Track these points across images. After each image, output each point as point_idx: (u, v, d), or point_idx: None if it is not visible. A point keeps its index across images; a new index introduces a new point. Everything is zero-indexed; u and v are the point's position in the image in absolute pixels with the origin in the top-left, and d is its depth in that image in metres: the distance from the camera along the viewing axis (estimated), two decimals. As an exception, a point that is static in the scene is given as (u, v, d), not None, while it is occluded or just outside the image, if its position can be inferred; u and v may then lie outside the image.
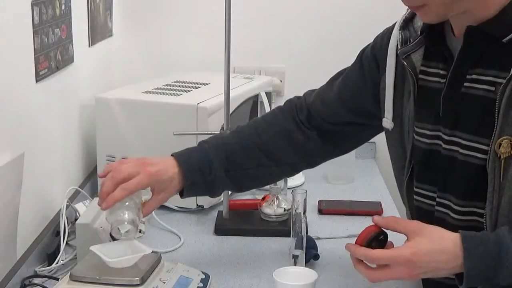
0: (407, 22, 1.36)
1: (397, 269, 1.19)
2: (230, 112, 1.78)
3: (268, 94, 2.20)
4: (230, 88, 1.77)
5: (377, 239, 1.26)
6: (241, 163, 1.51)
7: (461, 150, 1.25)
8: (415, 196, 1.36)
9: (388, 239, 1.28)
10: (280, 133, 1.54)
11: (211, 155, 1.48)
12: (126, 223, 1.36)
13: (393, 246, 1.26)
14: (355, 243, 1.26)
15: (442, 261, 1.17)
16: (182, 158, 1.46)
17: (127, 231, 1.36)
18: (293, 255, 1.53)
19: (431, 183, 1.33)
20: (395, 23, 1.39)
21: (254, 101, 2.15)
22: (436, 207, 1.31)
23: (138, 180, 1.37)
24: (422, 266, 1.18)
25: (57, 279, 1.45)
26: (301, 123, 1.55)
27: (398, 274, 1.20)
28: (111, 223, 1.37)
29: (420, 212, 1.36)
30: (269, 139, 1.53)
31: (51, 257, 1.58)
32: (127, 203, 1.37)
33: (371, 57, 1.46)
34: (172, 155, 1.47)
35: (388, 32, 1.42)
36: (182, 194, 1.48)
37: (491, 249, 1.14)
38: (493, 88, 1.20)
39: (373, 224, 1.27)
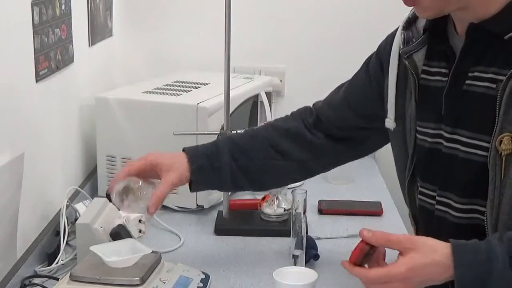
0: (410, 23, 1.36)
1: (394, 285, 1.19)
2: (230, 112, 1.78)
3: (268, 94, 2.20)
4: (230, 88, 1.77)
5: (369, 253, 1.24)
6: (249, 152, 1.54)
7: (462, 148, 1.25)
8: (418, 196, 1.36)
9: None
10: (289, 130, 1.57)
11: (219, 143, 1.55)
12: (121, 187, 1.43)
13: (385, 253, 1.25)
14: (349, 260, 1.24)
15: (436, 273, 1.17)
16: (189, 147, 1.54)
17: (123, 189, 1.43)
18: (293, 255, 1.53)
19: (432, 182, 1.33)
20: (398, 28, 1.39)
21: (254, 101, 2.15)
22: (436, 206, 1.31)
23: (140, 158, 1.47)
24: (417, 280, 1.18)
25: (57, 279, 1.45)
26: (309, 125, 1.58)
27: None
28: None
29: (422, 212, 1.36)
30: (276, 134, 1.57)
31: (51, 257, 1.58)
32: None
33: (376, 61, 1.47)
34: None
35: (391, 36, 1.42)
36: (191, 186, 1.51)
37: (481, 257, 1.14)
38: (494, 85, 1.20)
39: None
